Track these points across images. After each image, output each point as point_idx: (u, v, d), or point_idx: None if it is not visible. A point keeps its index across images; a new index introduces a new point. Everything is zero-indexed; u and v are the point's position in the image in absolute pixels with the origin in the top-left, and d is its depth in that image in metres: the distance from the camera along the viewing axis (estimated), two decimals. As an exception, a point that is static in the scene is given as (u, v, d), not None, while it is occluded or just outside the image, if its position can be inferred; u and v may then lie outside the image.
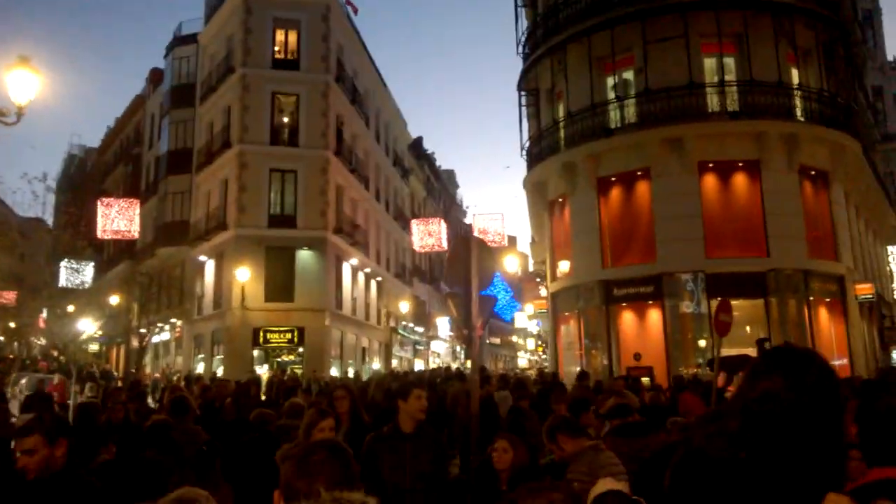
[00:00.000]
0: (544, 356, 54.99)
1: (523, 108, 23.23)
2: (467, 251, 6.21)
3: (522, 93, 23.01)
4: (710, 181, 18.79)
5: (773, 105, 18.44)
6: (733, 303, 11.90)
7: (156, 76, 40.43)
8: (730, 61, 19.33)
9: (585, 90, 19.60)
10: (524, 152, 22.72)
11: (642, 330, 19.20)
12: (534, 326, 53.16)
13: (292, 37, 30.55)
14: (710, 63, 19.32)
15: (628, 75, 19.98)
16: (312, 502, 1.44)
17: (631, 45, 19.13)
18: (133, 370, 30.75)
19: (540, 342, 55.66)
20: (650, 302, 18.71)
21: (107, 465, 3.41)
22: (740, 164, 18.76)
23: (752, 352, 14.65)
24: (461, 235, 6.96)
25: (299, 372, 24.65)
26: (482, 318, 6.23)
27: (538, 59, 21.60)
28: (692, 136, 18.27)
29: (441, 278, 56.52)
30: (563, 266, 21.04)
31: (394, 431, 4.25)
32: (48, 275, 41.90)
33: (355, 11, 34.97)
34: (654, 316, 18.76)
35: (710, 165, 18.67)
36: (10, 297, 41.23)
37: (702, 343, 18.20)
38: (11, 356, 44.41)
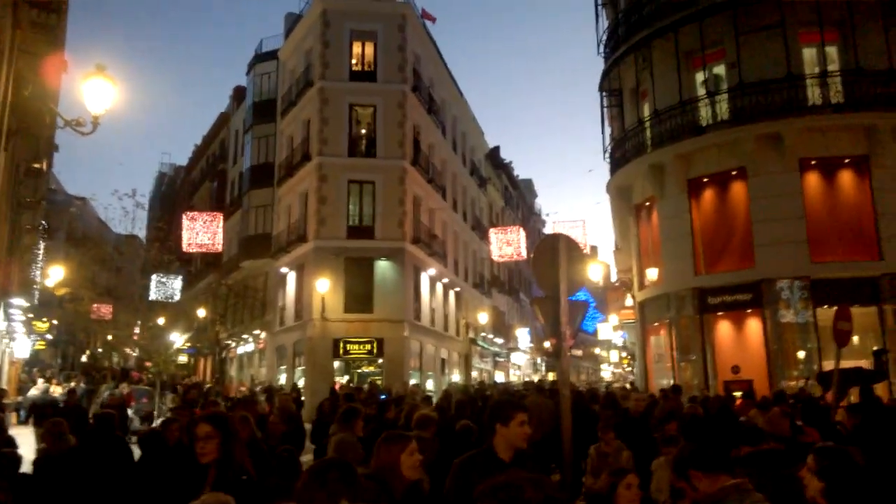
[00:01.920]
0: (629, 369, 53.10)
1: (605, 110, 22.32)
2: (555, 251, 5.55)
3: (604, 93, 22.10)
4: (812, 179, 17.36)
5: (883, 96, 16.84)
6: (842, 311, 10.75)
7: (239, 93, 41.53)
8: (832, 50, 17.85)
9: (673, 87, 18.53)
10: (607, 155, 21.77)
11: (740, 341, 17.89)
12: (618, 338, 51.38)
13: (369, 48, 30.62)
14: (809, 53, 17.91)
15: (719, 70, 18.80)
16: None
17: (722, 38, 18.00)
18: (211, 383, 31.26)
19: (625, 354, 53.75)
20: (748, 310, 17.40)
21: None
22: (846, 161, 17.26)
23: (866, 364, 13.30)
24: (548, 235, 6.25)
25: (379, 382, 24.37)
26: (573, 325, 5.55)
27: (621, 57, 20.65)
28: (792, 132, 16.91)
29: (520, 289, 55.63)
30: (652, 273, 19.91)
31: (488, 458, 3.57)
32: (141, 288, 43.64)
33: (433, 21, 34.84)
34: (754, 325, 17.42)
35: (813, 163, 17.25)
36: (106, 310, 43.19)
37: (800, 354, 16.77)
38: (107, 367, 46.45)
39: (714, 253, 18.07)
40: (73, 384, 24.95)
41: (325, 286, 26.92)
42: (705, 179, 18.43)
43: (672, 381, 17.93)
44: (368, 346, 27.62)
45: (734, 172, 17.87)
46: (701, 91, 18.65)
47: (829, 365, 12.77)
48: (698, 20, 17.87)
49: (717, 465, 2.95)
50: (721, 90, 18.33)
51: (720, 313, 18.08)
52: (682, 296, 18.47)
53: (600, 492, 3.59)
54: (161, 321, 43.65)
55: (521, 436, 3.58)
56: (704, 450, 3.01)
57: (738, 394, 13.46)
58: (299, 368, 29.07)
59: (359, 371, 28.15)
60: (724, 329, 18.23)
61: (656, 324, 20.21)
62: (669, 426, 5.83)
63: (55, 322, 30.06)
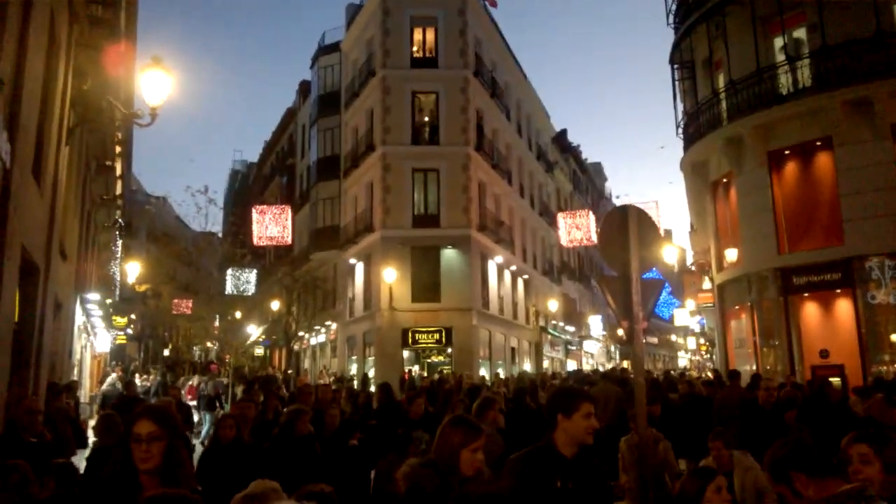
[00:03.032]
0: (707, 356, 51.24)
1: (677, 84, 21.29)
2: (624, 224, 5.06)
3: (675, 66, 21.06)
4: (907, 147, 15.99)
5: None
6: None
7: (304, 88, 41.98)
8: (926, 5, 16.38)
9: (749, 55, 17.40)
10: (680, 131, 20.76)
11: (828, 323, 16.74)
12: (695, 324, 49.61)
13: (430, 34, 30.31)
14: (900, 9, 16.48)
15: (799, 34, 17.58)
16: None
17: (802, 1, 16.78)
18: (280, 374, 31.76)
19: (703, 340, 51.91)
20: (838, 290, 16.24)
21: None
22: (947, 125, 15.81)
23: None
24: (616, 207, 5.70)
25: (447, 371, 24.22)
26: (646, 307, 5.05)
27: (692, 26, 19.60)
28: (884, 96, 15.57)
29: (591, 275, 54.44)
30: (731, 254, 18.87)
31: (548, 455, 3.16)
32: (218, 283, 44.89)
33: (494, 4, 34.18)
34: (843, 306, 16.25)
35: (908, 128, 15.88)
36: (187, 305, 44.70)
37: (894, 337, 15.52)
38: (189, 361, 48.13)
39: (798, 230, 16.94)
40: (151, 376, 25.89)
41: (392, 276, 26.89)
42: (787, 151, 17.28)
43: (754, 367, 17.02)
44: (437, 336, 27.47)
45: (819, 143, 16.68)
46: (780, 57, 17.47)
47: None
48: (776, -18, 16.71)
49: (825, 467, 2.43)
50: (802, 55, 17.12)
51: (806, 294, 16.97)
52: (763, 276, 17.43)
53: (686, 495, 3.13)
54: (238, 314, 44.98)
55: (585, 429, 3.15)
56: (808, 448, 2.50)
57: (835, 379, 12.52)
58: (370, 358, 29.21)
59: (428, 361, 28.07)
60: (810, 311, 17.11)
61: (737, 307, 19.18)
62: (789, 415, 5.24)
63: (133, 317, 31.19)
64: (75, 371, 15.77)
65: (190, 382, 21.78)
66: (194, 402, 18.23)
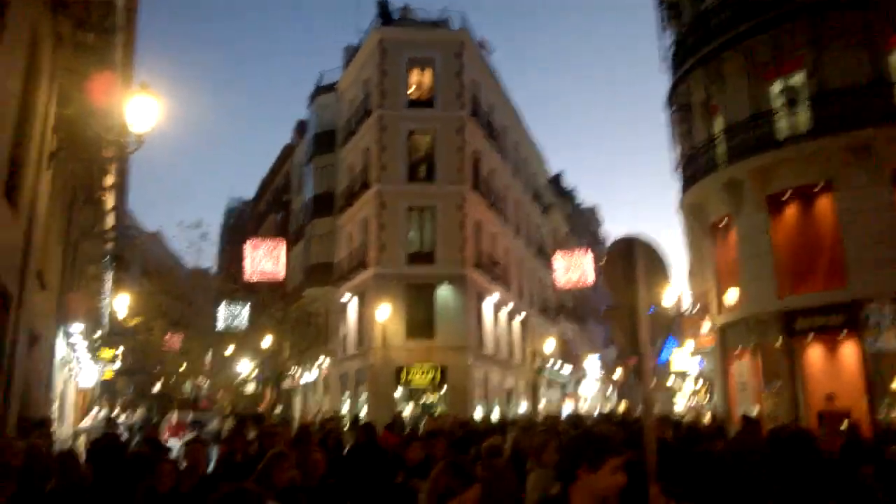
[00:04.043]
0: (706, 399, 50.45)
1: (673, 127, 21.28)
2: (630, 254, 4.78)
3: (672, 109, 21.08)
4: (909, 192, 15.86)
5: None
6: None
7: (302, 126, 42.21)
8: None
9: (746, 100, 17.44)
10: (678, 171, 20.67)
11: (833, 367, 16.35)
12: (694, 367, 49.04)
13: (427, 76, 30.52)
14: (897, 58, 16.55)
15: (797, 80, 17.59)
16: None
17: (799, 46, 16.83)
18: (271, 410, 31.09)
19: (702, 383, 51.26)
20: (842, 334, 15.91)
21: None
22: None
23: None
24: (621, 237, 5.40)
25: (439, 412, 23.65)
26: (656, 342, 4.74)
27: (689, 71, 19.63)
28: (883, 141, 15.53)
29: (588, 316, 54.04)
30: (731, 296, 18.58)
31: None
32: (211, 319, 44.40)
33: (488, 51, 34.58)
34: (848, 350, 15.90)
35: (908, 174, 15.77)
36: (177, 340, 44.11)
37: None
38: (178, 397, 47.26)
39: (800, 272, 16.69)
40: (138, 412, 25.22)
41: (385, 313, 26.50)
42: (786, 195, 17.14)
43: (757, 411, 16.57)
44: (431, 375, 26.96)
45: (818, 187, 16.55)
46: (778, 102, 17.48)
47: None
48: (774, 27, 16.79)
49: None
50: (800, 100, 17.11)
51: (809, 338, 16.63)
52: (765, 319, 17.11)
53: None
54: (230, 350, 44.34)
55: (613, 487, 2.70)
56: None
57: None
58: (362, 397, 28.61)
59: (422, 402, 27.47)
60: (814, 354, 16.74)
61: (738, 350, 18.81)
62: (866, 469, 4.55)
63: (121, 350, 30.62)
64: (55, 405, 15.26)
65: (169, 419, 21.15)
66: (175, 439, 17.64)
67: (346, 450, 9.05)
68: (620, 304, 4.85)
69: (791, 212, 17.25)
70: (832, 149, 15.94)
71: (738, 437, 8.51)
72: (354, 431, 10.11)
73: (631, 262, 4.72)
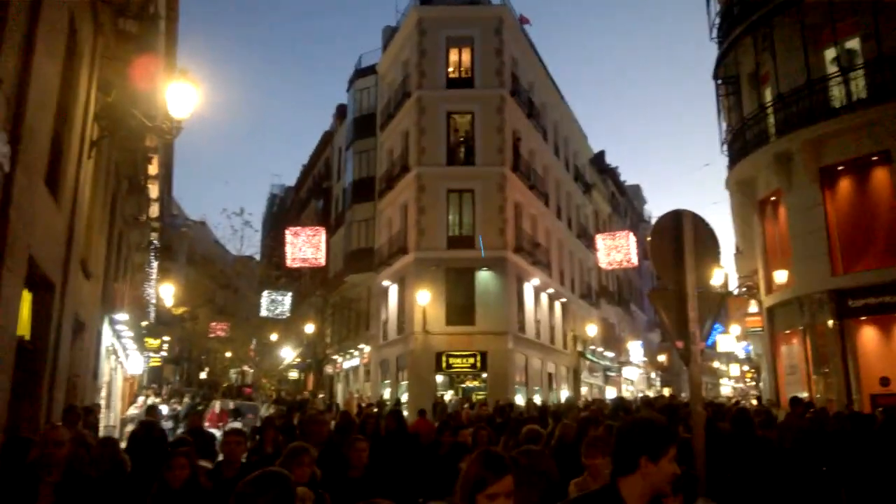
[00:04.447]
0: (752, 383, 49.32)
1: (721, 99, 20.53)
2: (678, 229, 4.46)
3: (719, 81, 20.32)
4: (973, 161, 15.00)
5: None
6: None
7: (341, 111, 42.12)
8: None
9: (798, 68, 16.62)
10: (724, 148, 19.96)
11: (889, 348, 15.65)
12: (740, 350, 47.96)
13: (466, 54, 30.10)
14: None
15: (852, 44, 16.73)
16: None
17: (855, 8, 15.99)
18: (312, 397, 31.36)
19: (749, 367, 50.10)
20: (900, 314, 15.19)
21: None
22: None
23: None
24: (669, 212, 5.06)
25: (480, 397, 23.50)
26: (704, 324, 4.43)
27: (737, 40, 18.87)
28: (945, 108, 14.68)
29: (631, 299, 53.18)
30: (781, 276, 17.89)
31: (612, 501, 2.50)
32: (255, 307, 45.00)
33: (526, 22, 33.90)
34: (906, 331, 15.19)
35: (973, 141, 14.90)
36: (223, 328, 44.88)
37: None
38: (227, 384, 48.14)
39: (854, 250, 15.96)
40: (184, 400, 25.69)
41: (425, 298, 26.38)
42: (840, 167, 16.38)
43: (807, 395, 15.98)
44: (472, 360, 26.78)
45: (875, 157, 15.75)
46: (831, 69, 16.65)
47: None
48: (826, -10, 15.97)
49: None
50: (856, 66, 16.27)
51: (863, 318, 15.92)
52: (816, 299, 16.43)
53: None
54: (274, 337, 44.93)
55: (669, 476, 2.49)
56: None
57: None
58: (403, 383, 28.63)
59: (462, 386, 27.36)
60: (868, 335, 16.03)
61: (787, 331, 18.16)
62: None
63: (167, 339, 31.18)
64: (103, 393, 15.54)
65: (212, 408, 21.43)
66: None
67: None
68: (667, 283, 4.54)
69: (845, 185, 16.50)
70: (889, 117, 15.13)
71: (787, 422, 8.13)
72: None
73: (679, 237, 4.41)
